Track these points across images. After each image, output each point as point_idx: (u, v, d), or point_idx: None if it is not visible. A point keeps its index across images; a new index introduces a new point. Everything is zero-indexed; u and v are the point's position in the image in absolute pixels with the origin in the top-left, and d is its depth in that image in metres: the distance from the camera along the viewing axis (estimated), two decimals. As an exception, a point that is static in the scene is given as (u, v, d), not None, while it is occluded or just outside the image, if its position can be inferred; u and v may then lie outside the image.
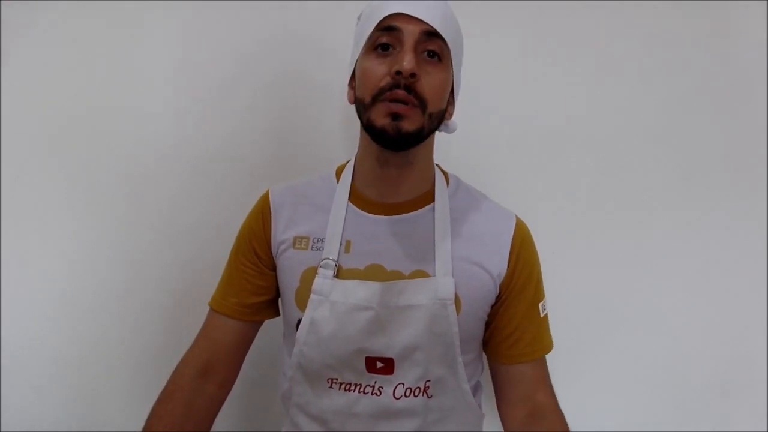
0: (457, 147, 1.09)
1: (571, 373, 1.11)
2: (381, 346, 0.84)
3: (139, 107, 1.18)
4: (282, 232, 0.90)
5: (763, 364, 1.19)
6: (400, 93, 0.77)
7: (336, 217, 0.88)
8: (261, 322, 0.97)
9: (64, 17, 1.17)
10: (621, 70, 1.19)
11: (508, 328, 0.90)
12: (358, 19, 0.87)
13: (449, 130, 0.92)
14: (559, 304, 1.01)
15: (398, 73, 0.77)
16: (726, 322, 1.19)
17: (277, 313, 0.97)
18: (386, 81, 0.78)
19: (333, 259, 0.86)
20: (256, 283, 0.93)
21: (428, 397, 0.86)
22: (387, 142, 0.80)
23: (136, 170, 1.18)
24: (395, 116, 0.78)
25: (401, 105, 0.78)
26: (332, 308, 0.85)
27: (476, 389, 0.94)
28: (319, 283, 0.85)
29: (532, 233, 0.94)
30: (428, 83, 0.79)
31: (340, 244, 0.87)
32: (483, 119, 1.18)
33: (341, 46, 0.96)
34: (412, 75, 0.77)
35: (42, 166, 1.18)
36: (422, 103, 0.79)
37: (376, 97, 0.79)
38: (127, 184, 1.18)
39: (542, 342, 0.92)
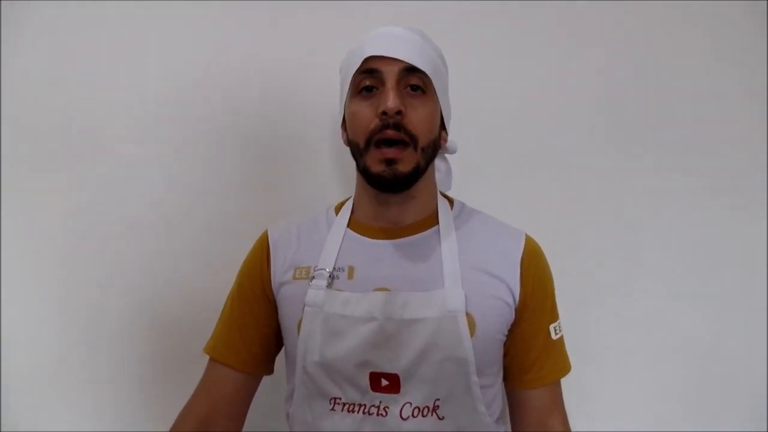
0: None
1: (569, 382, 1.10)
2: (385, 361, 0.81)
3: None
4: (282, 266, 0.89)
5: (763, 364, 1.19)
6: (390, 133, 0.79)
7: (333, 237, 0.88)
8: (261, 377, 0.94)
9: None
10: (621, 70, 1.18)
11: (521, 352, 0.88)
12: (340, 71, 0.89)
13: (450, 152, 0.94)
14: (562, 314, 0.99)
15: (384, 113, 0.78)
16: (726, 322, 1.19)
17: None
18: (375, 123, 0.80)
19: (327, 270, 0.84)
20: (260, 325, 0.90)
21: (439, 418, 0.82)
22: (385, 187, 0.82)
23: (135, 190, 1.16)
24: (389, 162, 0.79)
25: (393, 149, 0.79)
26: (328, 320, 0.82)
27: (498, 422, 0.89)
28: (312, 294, 0.83)
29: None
30: (416, 117, 0.81)
31: (343, 270, 0.85)
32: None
33: (333, 83, 0.96)
34: (398, 113, 0.79)
35: (38, 167, 1.16)
36: (413, 139, 0.80)
37: (369, 141, 0.81)
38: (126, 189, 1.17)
39: (556, 366, 0.90)
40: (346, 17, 1.15)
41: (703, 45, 1.18)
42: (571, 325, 1.07)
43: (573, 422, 0.92)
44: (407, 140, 0.80)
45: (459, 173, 0.99)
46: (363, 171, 0.83)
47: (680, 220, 1.19)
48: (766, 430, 1.17)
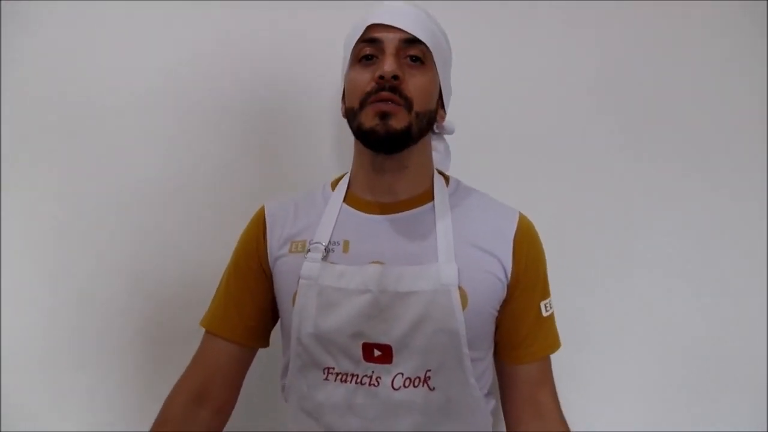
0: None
1: (566, 372, 1.09)
2: (378, 332, 0.82)
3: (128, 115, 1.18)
4: (278, 240, 0.90)
5: (763, 364, 1.18)
6: (385, 94, 0.80)
7: (329, 211, 0.89)
8: (256, 350, 0.95)
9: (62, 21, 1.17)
10: (620, 70, 1.19)
11: (512, 327, 0.88)
12: (344, 46, 0.90)
13: (447, 132, 0.96)
14: (557, 303, 0.99)
15: (381, 77, 0.80)
16: (726, 322, 1.18)
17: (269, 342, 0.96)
18: (371, 86, 0.81)
19: (323, 243, 0.85)
20: (256, 300, 0.91)
21: (430, 389, 0.82)
22: (377, 143, 0.82)
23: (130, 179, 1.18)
24: (383, 115, 0.80)
25: (388, 104, 0.80)
26: (323, 292, 0.83)
27: (488, 396, 0.90)
28: (307, 267, 0.84)
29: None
30: (413, 83, 0.82)
31: (338, 243, 0.86)
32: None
33: (332, 65, 0.98)
34: (395, 77, 0.80)
35: (39, 166, 1.17)
36: (408, 103, 0.81)
37: (364, 102, 0.82)
38: (121, 187, 1.18)
39: (546, 341, 0.91)
40: (347, 2, 1.16)
41: (703, 43, 1.19)
42: (570, 317, 1.08)
43: (571, 421, 0.92)
44: (401, 102, 0.81)
45: (457, 158, 1.00)
46: (357, 130, 0.84)
47: (680, 212, 1.19)
48: (766, 430, 1.16)
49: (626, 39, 1.19)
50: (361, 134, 0.83)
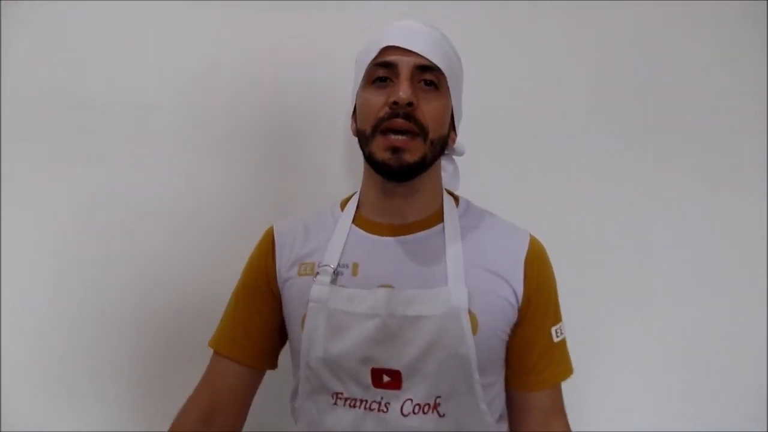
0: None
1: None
2: (387, 357, 0.81)
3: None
4: (287, 261, 0.89)
5: (763, 364, 1.19)
6: (399, 121, 0.79)
7: (338, 233, 0.87)
8: (265, 371, 0.94)
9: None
10: (620, 70, 1.19)
11: (523, 353, 0.87)
12: (356, 62, 0.89)
13: (457, 154, 0.94)
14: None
15: (395, 103, 0.78)
16: (725, 322, 1.19)
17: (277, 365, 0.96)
18: (384, 111, 0.80)
19: (332, 266, 0.84)
20: (265, 321, 0.91)
21: (440, 415, 0.82)
22: (390, 175, 0.81)
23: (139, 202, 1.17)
24: (395, 150, 0.79)
25: (400, 137, 0.79)
26: (332, 316, 0.82)
27: (500, 420, 0.89)
28: (316, 290, 0.83)
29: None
30: (427, 110, 0.80)
31: (347, 266, 0.85)
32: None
33: (342, 80, 0.97)
34: (410, 104, 0.78)
35: (40, 163, 1.15)
36: (423, 131, 0.80)
37: (376, 128, 0.80)
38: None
39: (558, 368, 0.89)
40: (357, 15, 1.16)
41: (703, 43, 1.19)
42: (571, 321, 1.09)
43: (572, 419, 0.92)
44: (416, 130, 0.79)
45: (464, 171, 0.99)
46: (368, 157, 0.83)
47: (685, 218, 1.19)
48: (766, 430, 1.17)
49: (626, 39, 1.18)
50: (373, 163, 0.82)
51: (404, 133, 0.79)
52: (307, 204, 1.12)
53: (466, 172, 0.97)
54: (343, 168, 1.18)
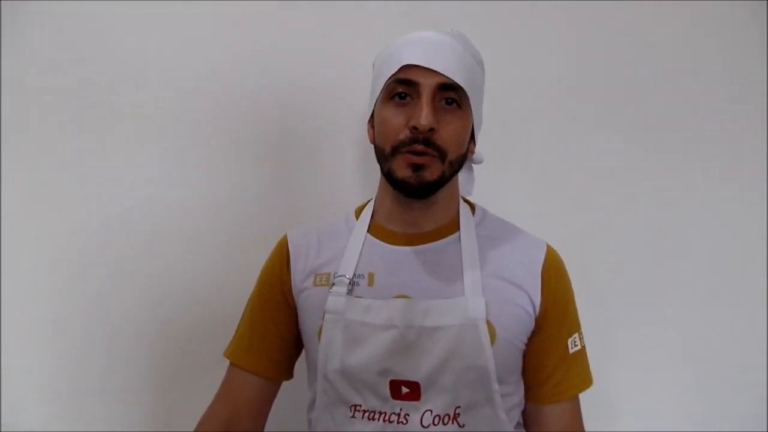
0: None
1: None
2: (406, 368, 0.80)
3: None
4: (302, 272, 0.88)
5: (763, 364, 1.20)
6: (419, 148, 0.78)
7: (353, 243, 0.86)
8: (281, 383, 0.94)
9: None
10: (620, 71, 1.19)
11: (538, 363, 0.86)
12: (373, 66, 0.87)
13: (476, 163, 0.93)
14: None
15: (415, 128, 0.77)
16: (725, 322, 1.20)
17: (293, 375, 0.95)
18: (405, 134, 0.78)
19: (347, 277, 0.83)
20: (281, 332, 0.89)
21: (460, 425, 0.81)
22: (409, 192, 0.80)
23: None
24: (416, 167, 0.78)
25: (421, 156, 0.78)
26: (348, 327, 0.81)
27: (517, 428, 0.89)
28: (332, 301, 0.82)
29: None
30: (447, 133, 0.79)
31: (363, 276, 0.84)
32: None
33: (353, 84, 0.99)
34: (430, 129, 0.77)
35: (46, 155, 1.13)
36: (441, 154, 0.79)
37: (395, 149, 0.79)
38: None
39: (573, 381, 0.87)
40: (370, 17, 1.15)
41: (703, 43, 1.20)
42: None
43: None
44: (435, 155, 0.79)
45: (478, 177, 0.99)
46: (387, 175, 0.82)
47: (696, 223, 1.20)
48: (766, 430, 1.19)
49: (626, 39, 1.19)
50: (392, 180, 0.81)
51: (423, 154, 0.78)
52: (320, 210, 1.11)
53: (481, 178, 0.97)
54: (355, 174, 1.17)
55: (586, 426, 0.90)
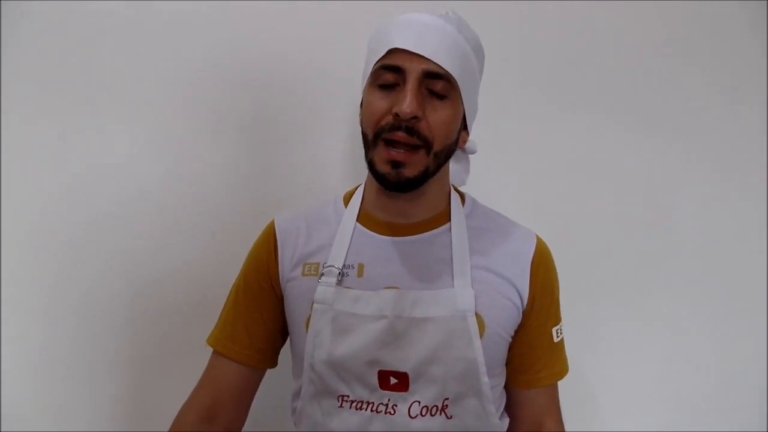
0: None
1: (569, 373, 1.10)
2: (394, 359, 0.80)
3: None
4: (290, 261, 0.86)
5: (763, 364, 1.19)
6: (400, 135, 0.75)
7: (343, 232, 0.85)
8: (265, 371, 0.92)
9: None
10: (621, 72, 1.19)
11: (523, 353, 0.87)
12: (368, 47, 0.84)
13: (469, 153, 0.91)
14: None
15: (398, 115, 0.75)
16: (726, 322, 1.20)
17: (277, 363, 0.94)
18: (387, 120, 0.76)
19: (337, 267, 0.82)
20: (266, 320, 0.88)
21: (447, 417, 0.81)
22: (389, 187, 0.79)
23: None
24: (395, 164, 0.76)
25: (401, 152, 0.76)
26: (337, 318, 0.81)
27: (502, 418, 0.88)
28: (321, 291, 0.82)
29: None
30: (433, 121, 0.77)
31: (352, 267, 0.83)
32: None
33: (343, 68, 0.97)
34: (414, 117, 0.75)
35: (38, 171, 1.12)
36: (426, 143, 0.77)
37: (377, 135, 0.77)
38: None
39: (554, 368, 0.89)
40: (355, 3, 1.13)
41: (703, 43, 1.20)
42: (572, 321, 1.09)
43: (571, 421, 0.92)
44: (419, 144, 0.76)
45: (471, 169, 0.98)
46: (369, 165, 0.80)
47: (685, 218, 1.20)
48: (766, 430, 1.18)
49: (626, 40, 1.19)
50: (373, 172, 0.80)
51: (405, 145, 0.76)
52: (307, 195, 1.10)
53: (471, 168, 0.96)
54: (343, 158, 1.15)
55: (580, 427, 0.91)
